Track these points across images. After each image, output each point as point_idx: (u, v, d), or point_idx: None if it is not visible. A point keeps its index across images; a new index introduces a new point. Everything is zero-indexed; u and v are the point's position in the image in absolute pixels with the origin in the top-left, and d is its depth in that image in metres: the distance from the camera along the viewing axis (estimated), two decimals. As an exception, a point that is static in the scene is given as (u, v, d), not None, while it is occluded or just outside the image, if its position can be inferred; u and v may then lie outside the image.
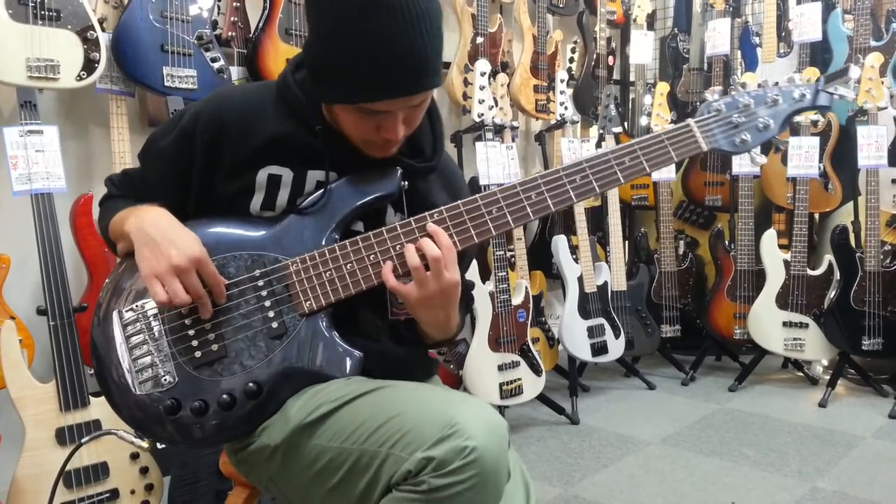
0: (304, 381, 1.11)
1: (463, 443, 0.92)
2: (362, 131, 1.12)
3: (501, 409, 2.72)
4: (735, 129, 1.19)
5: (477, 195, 1.15)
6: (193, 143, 1.17)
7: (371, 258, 1.13)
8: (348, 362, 1.12)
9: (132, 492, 1.89)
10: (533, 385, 2.75)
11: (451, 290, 1.11)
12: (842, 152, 3.22)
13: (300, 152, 1.17)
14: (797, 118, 3.03)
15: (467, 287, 1.39)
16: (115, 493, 1.87)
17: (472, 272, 2.57)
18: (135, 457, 1.90)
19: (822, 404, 2.99)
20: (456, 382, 2.66)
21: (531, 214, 1.15)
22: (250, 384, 1.09)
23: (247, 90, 1.25)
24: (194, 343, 1.11)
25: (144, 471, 1.91)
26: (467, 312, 1.40)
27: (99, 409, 1.85)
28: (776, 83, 1.22)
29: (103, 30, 2.01)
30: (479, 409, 0.98)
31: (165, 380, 1.10)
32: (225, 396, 1.09)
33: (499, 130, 2.78)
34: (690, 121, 1.19)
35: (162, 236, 1.09)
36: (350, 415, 1.03)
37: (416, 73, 1.04)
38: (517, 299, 2.73)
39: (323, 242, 1.15)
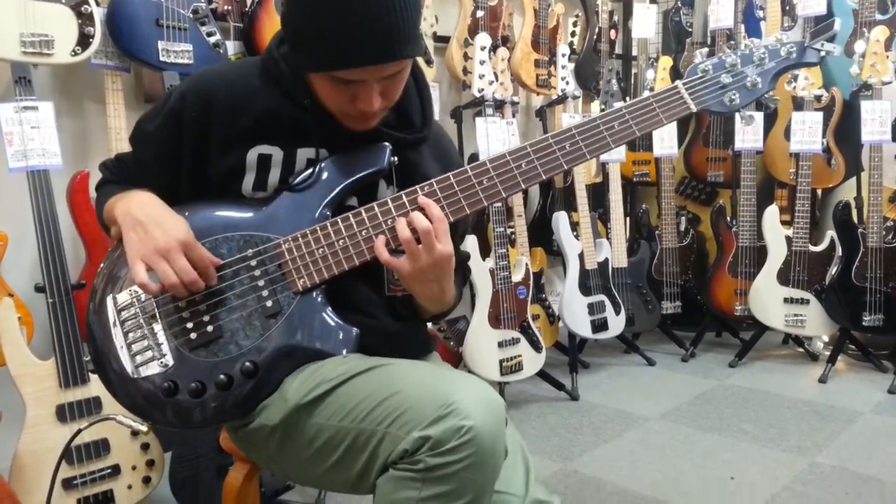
0: (301, 359, 1.11)
1: (459, 422, 0.92)
2: (338, 102, 1.11)
3: (501, 386, 2.73)
4: (723, 89, 1.19)
5: (466, 166, 1.14)
6: (182, 124, 1.16)
7: (363, 233, 1.12)
8: (344, 339, 1.12)
9: (133, 468, 1.90)
10: (533, 362, 2.75)
11: (444, 263, 1.11)
12: (845, 127, 3.19)
13: (289, 129, 1.16)
14: (801, 93, 3.00)
15: (463, 259, 1.39)
16: (116, 469, 1.88)
17: (473, 248, 2.56)
18: (136, 433, 1.90)
19: (822, 380, 2.99)
20: (456, 359, 2.67)
21: (522, 183, 1.14)
22: (246, 363, 1.09)
23: (233, 67, 1.23)
24: (189, 325, 1.11)
25: (145, 447, 1.92)
26: (464, 284, 1.40)
27: (99, 385, 1.85)
28: (763, 42, 1.22)
29: (98, 4, 1.98)
30: (476, 389, 0.98)
31: (162, 362, 1.10)
32: (222, 377, 1.08)
33: (499, 106, 2.76)
34: (678, 83, 1.19)
35: (148, 219, 1.09)
36: (348, 393, 1.03)
37: (386, 40, 1.02)
38: (517, 276, 2.72)
39: (315, 220, 1.14)
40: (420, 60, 2.81)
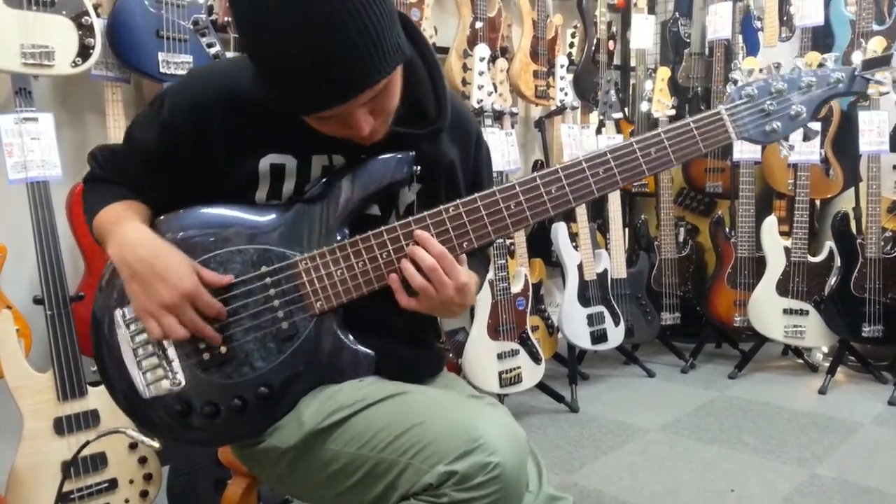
0: (316, 382, 1.09)
1: (487, 458, 0.91)
2: (331, 131, 1.04)
3: (501, 398, 2.72)
4: (766, 116, 1.11)
5: (495, 188, 1.08)
6: (177, 139, 1.09)
7: (384, 256, 1.07)
8: (361, 363, 1.10)
9: (131, 481, 1.89)
10: (532, 373, 2.74)
11: (462, 290, 1.07)
12: (843, 138, 3.20)
13: (298, 133, 1.07)
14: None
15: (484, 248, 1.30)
16: (113, 483, 1.87)
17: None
18: (133, 446, 1.89)
19: (822, 391, 2.99)
20: (455, 371, 2.66)
21: (551, 210, 1.08)
22: (262, 388, 1.07)
23: (225, 71, 1.14)
24: (202, 345, 1.08)
25: (143, 460, 1.91)
26: (486, 268, 1.36)
27: (97, 398, 1.84)
28: (809, 66, 1.15)
29: (98, 15, 1.98)
30: (501, 421, 0.98)
31: (174, 382, 1.08)
32: (236, 401, 1.07)
33: (498, 116, 2.76)
34: (721, 107, 1.11)
35: (148, 271, 1.03)
36: (367, 421, 1.01)
37: (350, 77, 0.93)
38: (516, 287, 2.72)
39: (333, 237, 1.09)
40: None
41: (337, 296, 1.08)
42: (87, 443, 1.52)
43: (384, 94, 1.00)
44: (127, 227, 1.08)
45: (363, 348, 1.10)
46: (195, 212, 1.12)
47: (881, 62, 1.13)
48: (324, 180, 1.11)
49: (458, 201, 1.08)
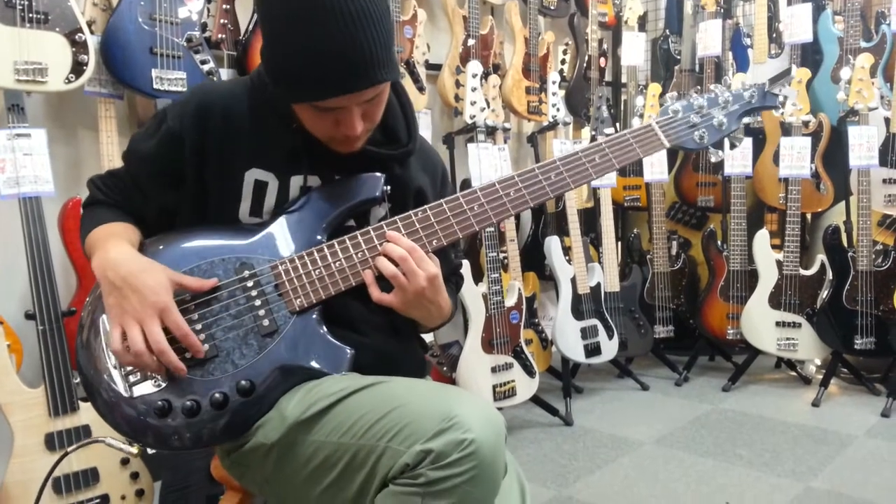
0: (297, 378, 1.11)
1: (461, 435, 0.92)
2: (322, 129, 1.14)
3: (495, 412, 2.71)
4: (692, 128, 1.31)
5: (458, 193, 1.20)
6: (182, 145, 1.17)
7: (359, 255, 1.15)
8: (340, 359, 1.13)
9: (122, 497, 1.88)
10: (526, 387, 2.74)
11: (433, 282, 1.14)
12: (833, 153, 3.23)
13: (280, 154, 1.19)
14: (789, 119, 3.04)
15: (455, 268, 1.43)
16: (105, 499, 1.85)
17: (466, 273, 2.56)
18: (125, 462, 1.88)
19: (816, 403, 2.99)
20: (449, 384, 2.65)
21: (511, 209, 1.20)
22: (242, 381, 1.08)
23: (224, 86, 1.26)
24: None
25: (135, 476, 1.90)
26: (458, 291, 1.44)
27: (88, 413, 1.83)
28: (729, 87, 1.37)
29: (92, 32, 2.00)
30: (477, 403, 0.99)
31: (155, 381, 1.09)
32: (217, 395, 1.08)
33: (491, 132, 2.78)
34: (651, 121, 1.30)
35: (124, 284, 1.06)
36: (348, 409, 1.03)
37: (359, 69, 1.05)
38: (510, 301, 2.72)
39: (311, 243, 1.17)
40: (409, 83, 2.85)
41: (315, 292, 1.14)
42: (67, 452, 1.51)
43: (377, 101, 1.13)
44: (111, 245, 1.13)
45: (343, 345, 1.13)
46: (181, 232, 1.18)
47: (781, 76, 1.35)
48: (303, 197, 1.20)
49: (425, 206, 1.18)
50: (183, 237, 1.17)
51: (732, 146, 1.42)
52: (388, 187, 1.21)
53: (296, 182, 1.20)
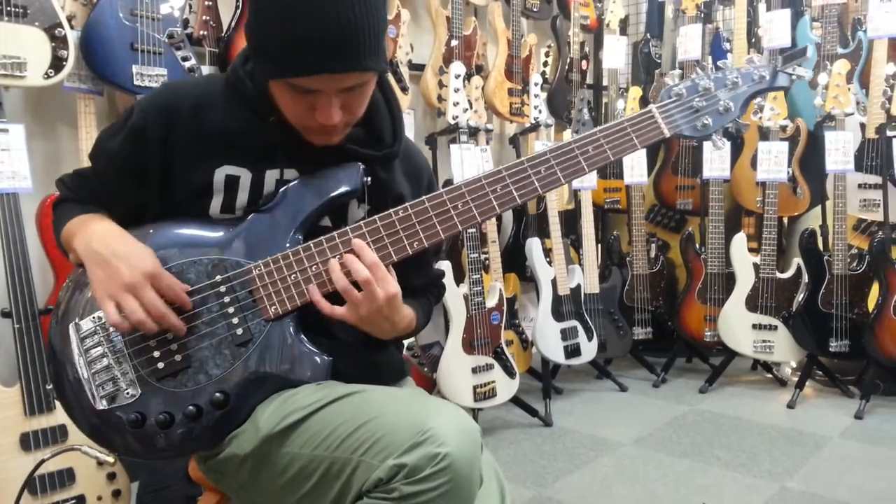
0: (273, 388, 1.09)
1: (435, 449, 0.91)
2: (298, 113, 1.08)
3: (475, 412, 2.72)
4: (696, 113, 1.18)
5: (441, 190, 1.13)
6: (146, 141, 1.13)
7: (338, 259, 1.09)
8: (318, 367, 1.10)
9: (99, 498, 1.86)
10: (507, 387, 2.75)
11: (392, 301, 1.08)
12: (810, 157, 3.28)
13: (255, 149, 1.14)
14: (767, 123, 3.08)
15: (435, 278, 1.37)
16: (81, 500, 1.83)
17: (447, 274, 2.56)
18: (102, 463, 1.86)
19: (791, 405, 3.03)
20: (430, 385, 2.65)
21: (497, 207, 1.12)
22: (216, 394, 1.07)
23: (196, 83, 1.22)
24: (156, 354, 1.08)
25: (112, 477, 1.88)
26: (437, 302, 1.38)
27: (64, 413, 1.80)
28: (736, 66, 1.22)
29: (72, 27, 1.97)
30: (452, 415, 0.97)
31: (128, 393, 1.07)
32: (191, 408, 1.06)
33: (473, 133, 2.78)
34: (652, 106, 1.18)
35: (111, 253, 1.06)
36: (322, 422, 1.01)
37: (344, 50, 1.00)
38: (491, 302, 2.73)
39: (286, 244, 1.11)
40: (392, 82, 2.84)
41: (291, 299, 1.09)
42: (43, 461, 1.50)
43: (359, 92, 1.07)
44: (93, 223, 1.12)
45: (319, 352, 1.10)
46: (151, 227, 1.14)
47: (797, 55, 1.19)
48: (278, 191, 1.14)
49: (406, 204, 1.11)
50: (152, 236, 1.12)
51: (738, 132, 1.32)
52: (369, 178, 1.15)
53: (271, 176, 1.15)
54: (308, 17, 0.97)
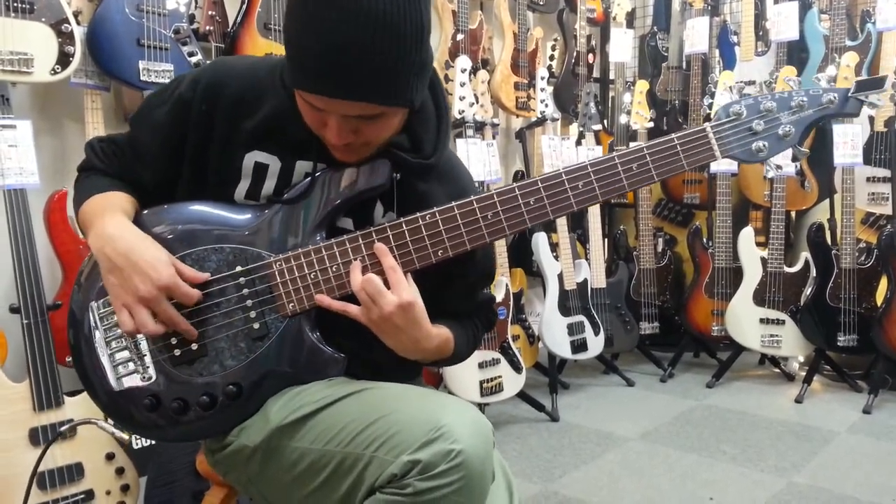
0: (286, 383, 1.10)
1: (449, 446, 0.92)
2: (312, 124, 1.06)
3: (481, 407, 2.72)
4: (754, 136, 1.08)
5: (472, 197, 1.08)
6: (189, 114, 1.12)
7: (359, 260, 1.08)
8: (331, 366, 1.11)
9: (108, 492, 1.87)
10: (513, 382, 2.75)
11: (407, 310, 1.04)
12: (818, 151, 3.25)
13: (290, 138, 1.11)
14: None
15: (484, 302, 1.30)
16: (90, 494, 1.84)
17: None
18: (110, 457, 1.87)
19: (799, 400, 3.02)
20: (436, 380, 2.66)
21: (528, 221, 1.08)
22: (230, 386, 1.08)
23: (248, 63, 1.17)
24: (173, 340, 1.09)
25: (120, 471, 1.89)
26: (488, 329, 1.32)
27: (74, 408, 1.81)
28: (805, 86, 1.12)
29: (78, 23, 1.97)
30: (465, 412, 0.98)
31: (144, 376, 1.09)
32: (204, 397, 1.08)
33: (479, 127, 2.78)
34: (707, 125, 1.09)
35: (125, 262, 1.04)
36: (333, 417, 1.02)
37: (346, 76, 0.95)
38: (498, 296, 2.73)
39: (309, 239, 1.11)
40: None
41: (309, 298, 1.09)
42: (58, 434, 1.49)
43: (371, 124, 1.03)
44: (108, 220, 1.09)
45: (334, 351, 1.11)
46: (177, 208, 1.14)
47: (874, 84, 1.10)
48: (304, 182, 1.13)
49: (435, 209, 1.08)
50: (178, 218, 1.12)
51: (795, 159, 1.14)
52: (398, 175, 1.11)
53: (302, 167, 1.13)
54: (323, 33, 0.94)
